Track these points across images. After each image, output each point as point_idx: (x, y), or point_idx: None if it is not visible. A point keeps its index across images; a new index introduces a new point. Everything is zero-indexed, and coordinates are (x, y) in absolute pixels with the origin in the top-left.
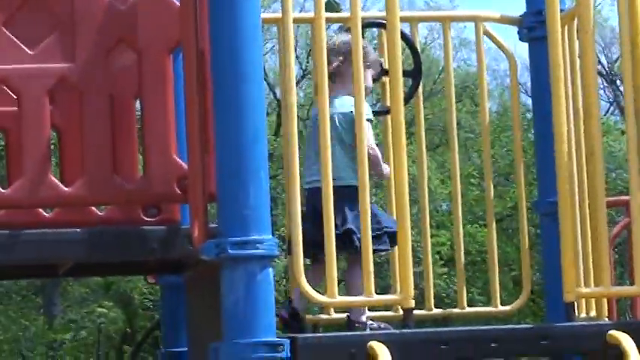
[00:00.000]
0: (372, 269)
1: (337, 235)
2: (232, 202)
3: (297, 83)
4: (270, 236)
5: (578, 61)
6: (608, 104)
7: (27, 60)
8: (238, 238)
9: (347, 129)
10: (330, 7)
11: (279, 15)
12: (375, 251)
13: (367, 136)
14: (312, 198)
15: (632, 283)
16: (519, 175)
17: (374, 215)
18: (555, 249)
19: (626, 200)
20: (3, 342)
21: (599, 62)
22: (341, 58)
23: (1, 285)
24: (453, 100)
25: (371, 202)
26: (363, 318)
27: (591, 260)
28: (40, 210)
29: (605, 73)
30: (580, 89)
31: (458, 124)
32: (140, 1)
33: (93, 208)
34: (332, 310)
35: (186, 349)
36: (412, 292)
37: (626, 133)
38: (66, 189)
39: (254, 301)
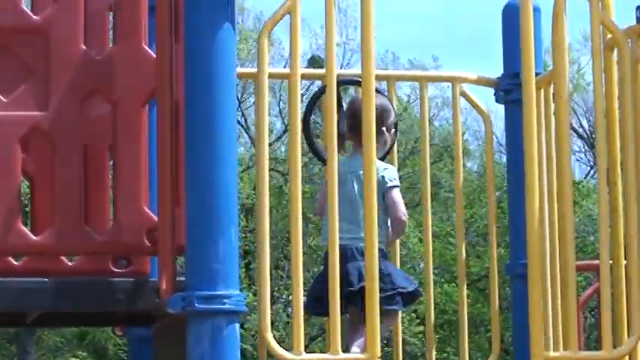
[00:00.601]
0: (338, 324)
1: (353, 292)
2: (201, 255)
3: (279, 138)
4: (238, 291)
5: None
6: (589, 167)
7: (0, 107)
8: (205, 292)
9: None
10: (315, 62)
11: (254, 70)
12: (386, 312)
13: (400, 203)
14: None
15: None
16: (492, 235)
17: (388, 275)
18: (525, 311)
19: (596, 265)
20: None
21: (581, 126)
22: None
23: None
24: (427, 158)
25: (387, 261)
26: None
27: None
28: (10, 258)
29: (586, 136)
30: (554, 152)
31: (438, 183)
32: (116, 51)
33: (63, 257)
34: None
35: None
36: (379, 350)
37: (598, 199)
38: (34, 237)
39: (220, 356)
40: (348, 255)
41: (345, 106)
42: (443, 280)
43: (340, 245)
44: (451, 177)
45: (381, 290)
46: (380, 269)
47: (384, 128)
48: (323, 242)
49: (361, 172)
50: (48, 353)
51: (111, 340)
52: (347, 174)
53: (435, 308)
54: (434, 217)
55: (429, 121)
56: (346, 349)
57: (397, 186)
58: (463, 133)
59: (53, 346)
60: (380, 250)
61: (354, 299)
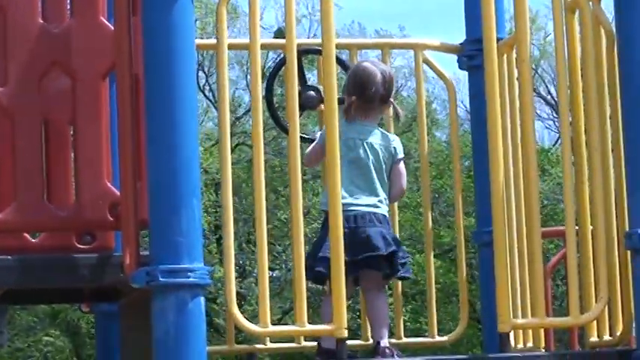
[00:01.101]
0: (304, 297)
1: (381, 256)
2: (164, 229)
3: (249, 111)
4: (202, 264)
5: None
6: (558, 135)
7: None
8: (169, 266)
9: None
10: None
11: (213, 41)
12: (401, 278)
13: (405, 174)
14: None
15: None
16: (457, 204)
17: (399, 242)
18: (492, 279)
19: (563, 231)
20: None
21: (549, 93)
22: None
23: None
24: (392, 128)
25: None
26: (388, 342)
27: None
28: None
29: (554, 103)
30: (518, 118)
31: (407, 153)
32: (74, 24)
33: (26, 234)
34: (267, 340)
35: None
36: (345, 322)
37: (562, 166)
38: None
39: (185, 329)
40: (366, 219)
41: (308, 77)
42: (415, 250)
43: (354, 212)
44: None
45: (400, 257)
46: (393, 237)
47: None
48: (324, 207)
49: (373, 139)
50: (21, 332)
51: (83, 318)
52: (355, 139)
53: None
54: None
55: (396, 91)
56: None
57: (403, 158)
58: (431, 103)
59: (26, 325)
60: (385, 216)
61: (379, 264)
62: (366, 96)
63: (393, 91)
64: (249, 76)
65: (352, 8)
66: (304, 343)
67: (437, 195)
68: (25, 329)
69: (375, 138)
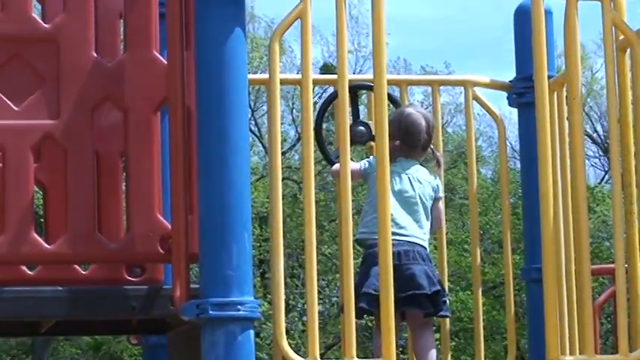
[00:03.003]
0: (353, 331)
1: (426, 295)
2: (214, 262)
3: (293, 147)
4: (252, 298)
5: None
6: (603, 172)
7: (11, 116)
8: (219, 299)
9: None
10: (327, 70)
11: (265, 76)
12: (442, 316)
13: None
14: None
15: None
16: (506, 241)
17: (441, 281)
18: (540, 316)
19: (612, 268)
20: None
21: (595, 131)
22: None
23: None
24: (442, 165)
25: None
26: None
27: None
28: (24, 267)
29: (600, 141)
30: (568, 155)
31: (453, 189)
32: (127, 58)
33: (76, 266)
34: None
35: None
36: (394, 356)
37: (612, 203)
38: (48, 246)
39: None
40: (410, 257)
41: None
42: (458, 287)
43: (399, 245)
44: (466, 183)
45: (442, 295)
46: (436, 275)
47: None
48: (365, 235)
49: (418, 174)
50: None
51: (127, 350)
52: (400, 173)
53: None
54: (449, 224)
55: (443, 127)
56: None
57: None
58: (477, 139)
59: (69, 357)
60: (428, 254)
61: (422, 302)
62: (410, 141)
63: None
64: (294, 111)
65: (398, 44)
66: None
67: (482, 232)
68: None
69: (421, 173)
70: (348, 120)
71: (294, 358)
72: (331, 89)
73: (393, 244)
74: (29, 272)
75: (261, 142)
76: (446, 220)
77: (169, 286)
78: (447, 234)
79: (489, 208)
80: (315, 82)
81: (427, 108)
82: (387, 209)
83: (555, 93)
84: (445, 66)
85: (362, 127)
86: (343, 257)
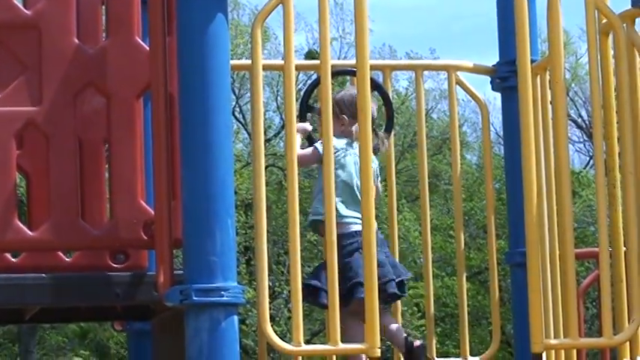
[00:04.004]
0: (337, 317)
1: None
2: (198, 248)
3: (278, 134)
4: (236, 284)
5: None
6: (588, 157)
7: None
8: (203, 285)
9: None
10: (311, 56)
11: (248, 62)
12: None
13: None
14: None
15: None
16: (490, 226)
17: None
18: (525, 299)
19: (596, 252)
20: None
21: (580, 116)
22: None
23: None
24: (424, 148)
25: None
26: None
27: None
28: (7, 255)
29: (585, 126)
30: (551, 140)
31: (438, 175)
32: (109, 44)
33: (60, 253)
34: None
35: None
36: (378, 341)
37: (596, 187)
38: (31, 233)
39: (218, 348)
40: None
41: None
42: (444, 273)
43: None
44: (450, 169)
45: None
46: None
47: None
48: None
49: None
50: (50, 352)
51: (113, 338)
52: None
53: (435, 302)
54: (434, 210)
55: (427, 113)
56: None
57: None
58: (461, 125)
59: (55, 345)
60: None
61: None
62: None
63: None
64: (279, 98)
65: (383, 31)
66: None
67: (466, 217)
68: (55, 349)
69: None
70: (330, 106)
71: (279, 344)
72: (315, 76)
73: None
74: (12, 259)
75: (246, 129)
76: (431, 206)
77: (153, 273)
78: (432, 220)
79: (474, 193)
80: (299, 68)
81: (412, 94)
82: (370, 199)
83: (538, 77)
84: (430, 52)
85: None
86: (327, 246)
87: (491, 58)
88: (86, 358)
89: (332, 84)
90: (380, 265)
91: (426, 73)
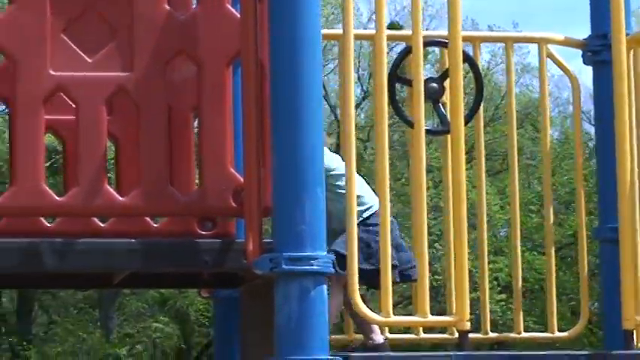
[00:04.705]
0: (427, 288)
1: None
2: (288, 217)
3: (358, 105)
4: (325, 253)
5: None
6: None
7: (85, 68)
8: (293, 254)
9: None
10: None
11: (339, 31)
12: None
13: None
14: None
15: None
16: (580, 201)
17: None
18: (615, 276)
19: None
20: (60, 354)
21: None
22: None
23: (59, 297)
24: (514, 121)
25: None
26: (381, 339)
27: None
28: (95, 220)
29: None
30: None
31: (519, 150)
32: (200, 11)
33: (148, 219)
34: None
35: None
36: (468, 314)
37: None
38: (121, 199)
39: (307, 317)
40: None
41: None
42: (524, 248)
43: None
44: (533, 144)
45: None
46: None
47: None
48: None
49: None
50: (130, 318)
51: (192, 305)
52: None
53: (514, 277)
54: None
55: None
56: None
57: None
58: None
59: (135, 311)
60: None
61: None
62: None
63: None
64: (360, 69)
65: (466, 5)
66: (422, 335)
67: None
68: (135, 315)
69: None
70: (422, 76)
71: (368, 314)
72: (399, 47)
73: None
74: (101, 224)
75: (326, 100)
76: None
77: (242, 240)
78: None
79: (556, 169)
80: (390, 38)
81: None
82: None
83: (632, 51)
84: (513, 25)
85: (434, 84)
86: (416, 216)
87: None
88: (165, 325)
89: None
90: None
91: (504, 46)
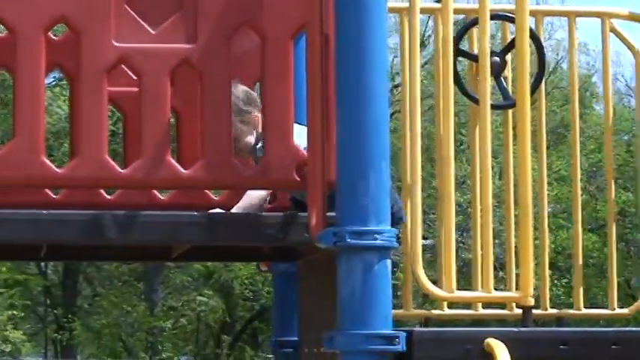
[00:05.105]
0: (491, 263)
1: None
2: (352, 190)
3: None
4: (389, 227)
5: None
6: None
7: (149, 39)
8: (357, 228)
9: None
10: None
11: (404, 4)
12: None
13: None
14: None
15: None
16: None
17: None
18: None
19: None
20: (104, 326)
21: None
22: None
23: (103, 270)
24: (577, 94)
25: None
26: None
27: None
28: (156, 192)
29: None
30: None
31: (567, 126)
32: None
33: (208, 192)
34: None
35: (296, 338)
36: (532, 290)
37: None
38: (184, 171)
39: (371, 292)
40: None
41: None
42: (570, 225)
43: None
44: (582, 121)
45: None
46: None
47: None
48: None
49: None
50: (174, 292)
51: (238, 279)
52: None
53: (561, 253)
54: (562, 160)
55: (557, 63)
56: None
57: None
58: (591, 76)
59: (180, 284)
60: None
61: None
62: None
63: None
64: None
65: None
66: (481, 311)
67: (594, 169)
68: (179, 288)
69: None
70: (488, 50)
71: (431, 289)
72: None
73: None
74: (161, 197)
75: None
76: (559, 157)
77: (304, 214)
78: (559, 170)
79: (603, 145)
80: (456, 12)
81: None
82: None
83: None
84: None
85: (496, 58)
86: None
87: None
88: (210, 298)
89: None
90: None
91: (556, 22)
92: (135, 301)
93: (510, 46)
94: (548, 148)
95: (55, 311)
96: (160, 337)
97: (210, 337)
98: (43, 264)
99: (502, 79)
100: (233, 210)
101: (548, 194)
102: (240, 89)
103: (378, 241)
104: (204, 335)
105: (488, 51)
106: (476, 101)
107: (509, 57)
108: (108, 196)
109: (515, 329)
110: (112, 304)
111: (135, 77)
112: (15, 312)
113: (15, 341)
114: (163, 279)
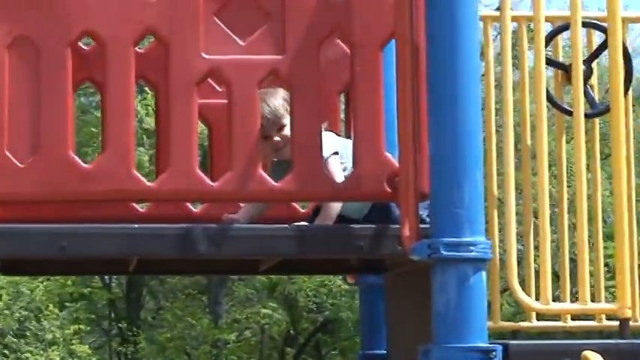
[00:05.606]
0: (587, 275)
1: None
2: (446, 201)
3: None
4: (484, 238)
5: None
6: None
7: (237, 51)
8: (451, 239)
9: None
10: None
11: (496, 13)
12: None
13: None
14: None
15: None
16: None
17: None
18: None
19: None
20: (169, 339)
21: None
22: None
23: (167, 283)
24: None
25: None
26: None
27: None
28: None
29: None
30: None
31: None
32: None
33: (296, 205)
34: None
35: (385, 351)
36: (629, 301)
37: None
38: (275, 184)
39: (466, 304)
40: None
41: None
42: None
43: None
44: None
45: None
46: None
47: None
48: None
49: None
50: (238, 304)
51: (302, 291)
52: None
53: None
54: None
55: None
56: None
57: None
58: None
59: (244, 297)
60: None
61: None
62: None
63: None
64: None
65: None
66: (571, 323)
67: None
68: (243, 301)
69: None
70: (581, 57)
71: (526, 302)
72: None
73: None
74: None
75: None
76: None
77: (395, 226)
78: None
79: None
80: (548, 19)
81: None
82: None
83: None
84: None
85: (582, 66)
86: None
87: None
88: (274, 310)
89: None
90: None
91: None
92: (199, 314)
93: (597, 53)
94: (609, 156)
95: (120, 324)
96: (225, 349)
97: (273, 349)
98: (106, 277)
99: (589, 87)
100: (316, 222)
101: (610, 203)
102: (282, 92)
103: (473, 253)
104: (268, 348)
105: (580, 60)
106: (564, 111)
107: (594, 64)
108: (194, 209)
109: (613, 341)
110: (176, 317)
111: (219, 89)
112: (81, 326)
113: (81, 355)
114: (227, 291)
